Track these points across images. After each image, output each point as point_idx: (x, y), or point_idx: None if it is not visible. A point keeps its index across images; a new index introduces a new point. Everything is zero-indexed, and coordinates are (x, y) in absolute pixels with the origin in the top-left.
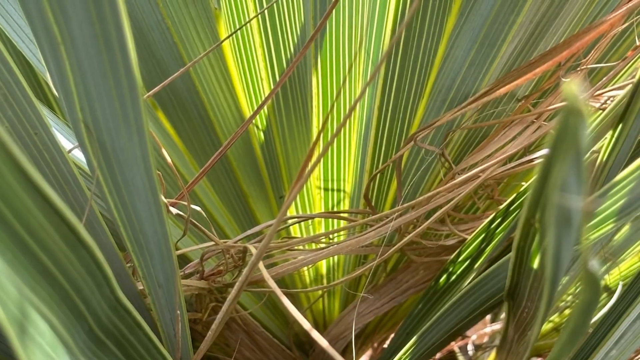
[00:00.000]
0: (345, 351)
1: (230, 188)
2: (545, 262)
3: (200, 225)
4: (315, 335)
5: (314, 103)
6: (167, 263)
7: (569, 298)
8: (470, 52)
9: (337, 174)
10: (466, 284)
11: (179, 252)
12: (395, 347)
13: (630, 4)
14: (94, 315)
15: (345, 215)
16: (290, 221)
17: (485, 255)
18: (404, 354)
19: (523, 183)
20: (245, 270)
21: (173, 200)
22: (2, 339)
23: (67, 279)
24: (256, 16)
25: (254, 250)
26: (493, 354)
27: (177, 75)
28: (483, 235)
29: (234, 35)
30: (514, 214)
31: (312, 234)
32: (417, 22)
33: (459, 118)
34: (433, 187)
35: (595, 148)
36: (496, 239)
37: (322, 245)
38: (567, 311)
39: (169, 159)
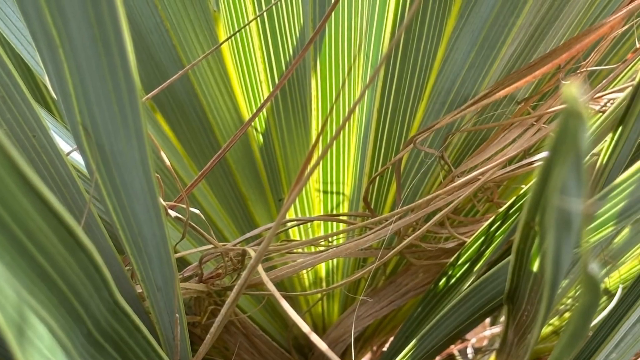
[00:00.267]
0: (344, 354)
1: (229, 191)
2: (545, 265)
3: (199, 228)
4: (315, 338)
5: (313, 106)
6: (165, 266)
7: (569, 301)
8: (469, 55)
9: (337, 176)
10: (466, 287)
11: (177, 255)
12: (395, 351)
13: (630, 6)
14: (93, 319)
15: (345, 218)
16: (289, 224)
17: (484, 258)
18: (404, 357)
19: (523, 186)
20: (244, 273)
21: (172, 203)
22: (1, 342)
23: (66, 282)
24: (255, 18)
25: (252, 253)
26: (493, 357)
27: (175, 78)
28: (483, 238)
29: (233, 37)
30: (514, 217)
31: (311, 236)
32: (417, 24)
33: (458, 121)
34: (432, 189)
35: (595, 151)
36: (496, 242)
37: (322, 248)
38: (567, 314)
39: (167, 162)
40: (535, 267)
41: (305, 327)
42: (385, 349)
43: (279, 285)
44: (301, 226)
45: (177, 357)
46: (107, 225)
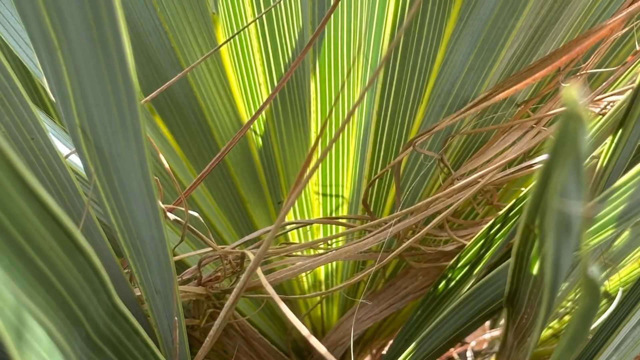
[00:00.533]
0: (343, 358)
1: (228, 194)
2: (545, 268)
3: (198, 231)
4: (314, 341)
5: (312, 108)
6: (164, 269)
7: (569, 304)
8: (469, 57)
9: (336, 179)
10: (465, 290)
11: (176, 258)
12: (394, 354)
13: (630, 9)
14: (91, 322)
15: (344, 221)
16: (288, 227)
17: (484, 261)
18: None
19: (522, 188)
20: (243, 276)
21: (171, 206)
22: (0, 345)
23: (64, 285)
24: (254, 21)
25: (252, 256)
26: None
27: (174, 80)
28: (482, 241)
29: (231, 39)
30: (514, 220)
31: (310, 239)
32: (416, 26)
33: (458, 123)
34: (432, 192)
35: (595, 153)
36: (495, 245)
37: (321, 251)
38: (566, 317)
39: (166, 165)
40: (535, 270)
41: (304, 330)
42: (384, 352)
43: (278, 288)
44: (300, 229)
45: None
46: (106, 228)
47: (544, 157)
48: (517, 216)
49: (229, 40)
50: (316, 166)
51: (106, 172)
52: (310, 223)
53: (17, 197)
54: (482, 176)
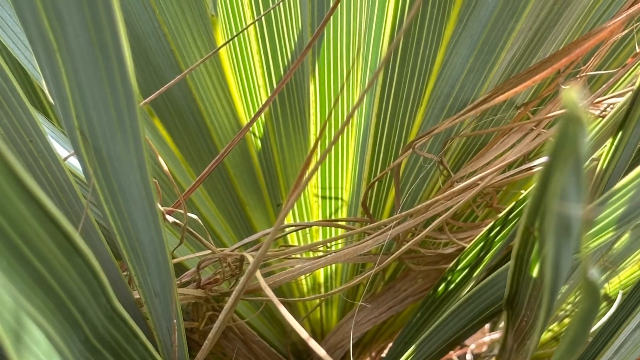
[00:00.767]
0: None
1: (227, 196)
2: (545, 271)
3: (196, 234)
4: (313, 344)
5: (312, 110)
6: (163, 271)
7: (569, 307)
8: (469, 59)
9: (335, 181)
10: (465, 292)
11: (175, 260)
12: (394, 357)
13: (630, 11)
14: (90, 324)
15: (343, 223)
16: (287, 229)
17: (484, 263)
18: None
19: (522, 191)
20: (242, 279)
21: (169, 209)
22: None
23: (63, 287)
24: (253, 23)
25: (251, 259)
26: None
27: (173, 83)
28: (482, 243)
29: (231, 42)
30: (513, 222)
31: (309, 242)
32: (416, 28)
33: (457, 125)
34: (431, 195)
35: (594, 156)
36: (495, 248)
37: (320, 254)
38: (566, 320)
39: (165, 167)
40: (534, 273)
41: (303, 333)
42: (384, 355)
43: (277, 291)
44: (299, 231)
45: None
46: (105, 230)
47: (543, 159)
48: (517, 219)
49: (228, 42)
50: (315, 168)
51: (105, 175)
52: (310, 225)
53: (16, 199)
54: (481, 178)
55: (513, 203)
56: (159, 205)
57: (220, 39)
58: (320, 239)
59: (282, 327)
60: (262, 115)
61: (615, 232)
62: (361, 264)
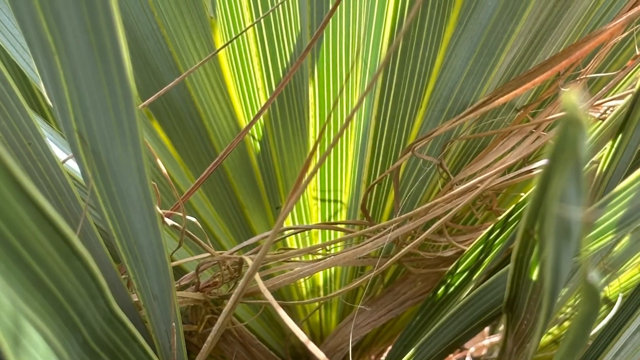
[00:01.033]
0: None
1: (226, 199)
2: (545, 274)
3: (195, 237)
4: (312, 347)
5: (311, 113)
6: (162, 274)
7: (569, 310)
8: (468, 62)
9: (334, 184)
10: (464, 295)
11: (174, 263)
12: None
13: (630, 13)
14: (89, 327)
15: (342, 226)
16: (286, 232)
17: (483, 266)
18: None
19: (522, 194)
20: (241, 282)
21: (168, 211)
22: None
23: (61, 290)
24: (252, 25)
25: (250, 262)
26: None
27: (172, 85)
28: (482, 246)
29: (230, 44)
30: (513, 225)
31: (308, 245)
32: (415, 31)
33: (457, 128)
34: (431, 198)
35: (594, 158)
36: (495, 250)
37: (319, 257)
38: (566, 323)
39: (164, 170)
40: (534, 276)
41: (302, 336)
42: (383, 358)
43: (276, 294)
44: (299, 234)
45: None
46: (103, 233)
47: (543, 162)
48: (517, 221)
49: (227, 44)
50: (314, 171)
51: (103, 178)
52: (309, 228)
53: (14, 202)
54: (481, 181)
55: (513, 206)
56: (158, 208)
57: (219, 41)
58: (319, 241)
59: (281, 330)
60: (261, 117)
61: (615, 235)
62: (360, 267)
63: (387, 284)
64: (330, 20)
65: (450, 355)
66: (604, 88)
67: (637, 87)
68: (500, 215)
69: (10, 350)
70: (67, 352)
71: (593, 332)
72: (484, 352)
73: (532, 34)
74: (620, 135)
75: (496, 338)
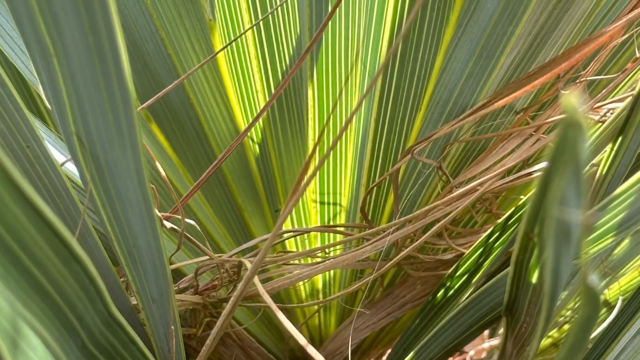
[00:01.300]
0: None
1: (225, 202)
2: (544, 277)
3: (194, 240)
4: (311, 350)
5: (310, 115)
6: (161, 277)
7: (568, 313)
8: (468, 64)
9: (334, 187)
10: (464, 298)
11: (173, 266)
12: None
13: (630, 15)
14: (87, 331)
15: (342, 229)
16: (285, 235)
17: (483, 269)
18: None
19: (521, 196)
20: (240, 285)
21: (167, 214)
22: None
23: (60, 293)
24: (251, 27)
25: (249, 265)
26: None
27: (171, 88)
28: (481, 249)
29: (228, 46)
30: (513, 228)
31: (307, 248)
32: (415, 33)
33: (456, 131)
34: (430, 200)
35: (594, 161)
36: (494, 253)
37: (318, 260)
38: (566, 326)
39: (162, 172)
40: (534, 279)
41: (302, 340)
42: None
43: (276, 297)
44: (298, 237)
45: None
46: (102, 236)
47: (543, 164)
48: (516, 224)
49: (226, 47)
50: (314, 174)
51: (102, 180)
52: (308, 231)
53: (13, 205)
54: (480, 184)
55: (512, 209)
56: (157, 211)
57: (218, 44)
58: (318, 244)
59: (280, 333)
60: (260, 120)
61: (615, 238)
62: (360, 270)
63: (386, 287)
64: (330, 22)
65: (450, 359)
66: (604, 90)
67: (637, 89)
68: (499, 218)
69: (8, 353)
70: (66, 355)
71: (593, 335)
72: (483, 355)
73: (532, 36)
74: (620, 138)
75: (496, 341)
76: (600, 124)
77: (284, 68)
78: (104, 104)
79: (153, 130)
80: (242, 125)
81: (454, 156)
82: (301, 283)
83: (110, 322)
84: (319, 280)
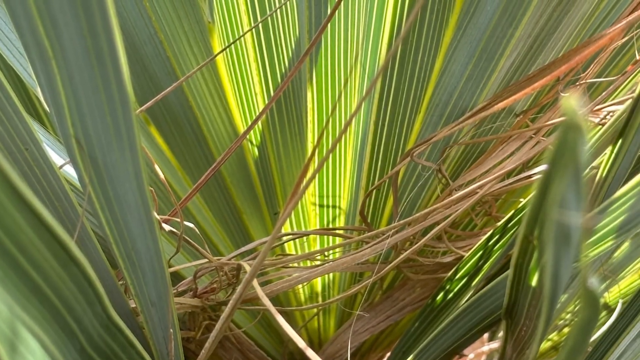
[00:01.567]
0: None
1: (224, 204)
2: (544, 280)
3: (193, 242)
4: (311, 354)
5: (309, 118)
6: (159, 280)
7: (568, 316)
8: (467, 66)
9: (333, 190)
10: (463, 301)
11: (171, 269)
12: None
13: (630, 18)
14: (86, 334)
15: (341, 232)
16: (284, 238)
17: (482, 272)
18: None
19: (521, 199)
20: (239, 288)
21: (166, 217)
22: None
23: (59, 296)
24: (250, 30)
25: (248, 268)
26: None
27: (170, 90)
28: (481, 252)
29: (227, 49)
30: (512, 231)
31: (307, 251)
32: (414, 35)
33: (456, 133)
34: (430, 203)
35: (594, 164)
36: (494, 256)
37: (317, 263)
38: (566, 329)
39: (161, 175)
40: (534, 282)
41: (301, 343)
42: None
43: (275, 300)
44: (297, 240)
45: None
46: (101, 239)
47: (543, 167)
48: (516, 227)
49: (224, 49)
50: (313, 176)
51: (101, 183)
52: (307, 234)
53: (11, 208)
54: (480, 187)
55: (512, 211)
56: (155, 214)
57: (217, 46)
58: (317, 247)
59: (280, 336)
60: (259, 122)
61: (615, 241)
62: (359, 273)
63: (385, 290)
64: (329, 24)
65: None
66: (603, 93)
67: (637, 92)
68: (499, 220)
69: (7, 356)
70: (65, 358)
71: (593, 338)
72: (483, 358)
73: (532, 38)
74: (620, 141)
75: (495, 344)
76: (600, 126)
77: (283, 70)
78: (103, 106)
79: (152, 133)
80: (241, 128)
81: (454, 159)
82: (300, 286)
83: (108, 326)
84: (318, 283)
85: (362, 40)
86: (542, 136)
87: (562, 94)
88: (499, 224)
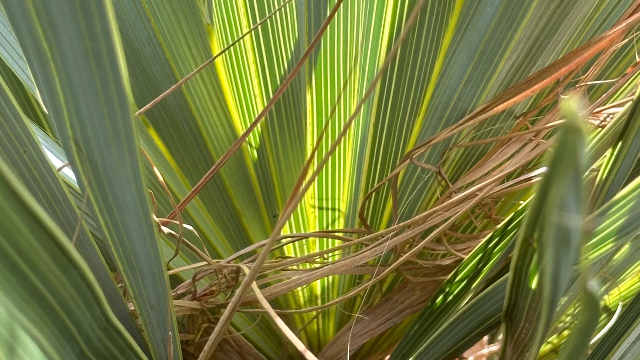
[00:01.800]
0: None
1: (223, 207)
2: (544, 282)
3: (192, 245)
4: (310, 356)
5: (308, 120)
6: (158, 283)
7: (568, 319)
8: (467, 69)
9: (332, 192)
10: (463, 304)
11: (170, 272)
12: None
13: (630, 20)
14: (85, 337)
15: (340, 234)
16: (284, 240)
17: (482, 275)
18: None
19: (521, 202)
20: (238, 291)
21: (165, 219)
22: None
23: (57, 299)
24: (249, 32)
25: (247, 270)
26: None
27: (168, 92)
28: (480, 254)
29: (226, 51)
30: (512, 233)
31: (306, 253)
32: (414, 38)
33: (455, 136)
34: (429, 206)
35: (594, 166)
36: (494, 259)
37: (317, 265)
38: (565, 332)
39: (160, 177)
40: (533, 284)
41: (300, 346)
42: None
43: (274, 303)
44: (296, 243)
45: None
46: (99, 241)
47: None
48: (516, 230)
49: (223, 51)
50: (312, 179)
51: (99, 185)
52: (306, 237)
53: (10, 210)
54: (480, 189)
55: (512, 214)
56: (154, 216)
57: (216, 48)
58: (317, 250)
59: (279, 339)
60: (259, 125)
61: (615, 243)
62: (358, 276)
63: (385, 293)
64: (328, 27)
65: None
66: (603, 95)
67: (637, 94)
68: (499, 223)
69: (6, 359)
70: None
71: (592, 341)
72: None
73: (531, 40)
74: (620, 143)
75: (495, 347)
76: (600, 128)
77: (282, 72)
78: (102, 108)
79: (151, 135)
80: (240, 130)
81: (453, 161)
82: (299, 289)
83: (107, 328)
84: (317, 285)
85: (362, 42)
86: (542, 138)
87: (562, 96)
88: (498, 226)
